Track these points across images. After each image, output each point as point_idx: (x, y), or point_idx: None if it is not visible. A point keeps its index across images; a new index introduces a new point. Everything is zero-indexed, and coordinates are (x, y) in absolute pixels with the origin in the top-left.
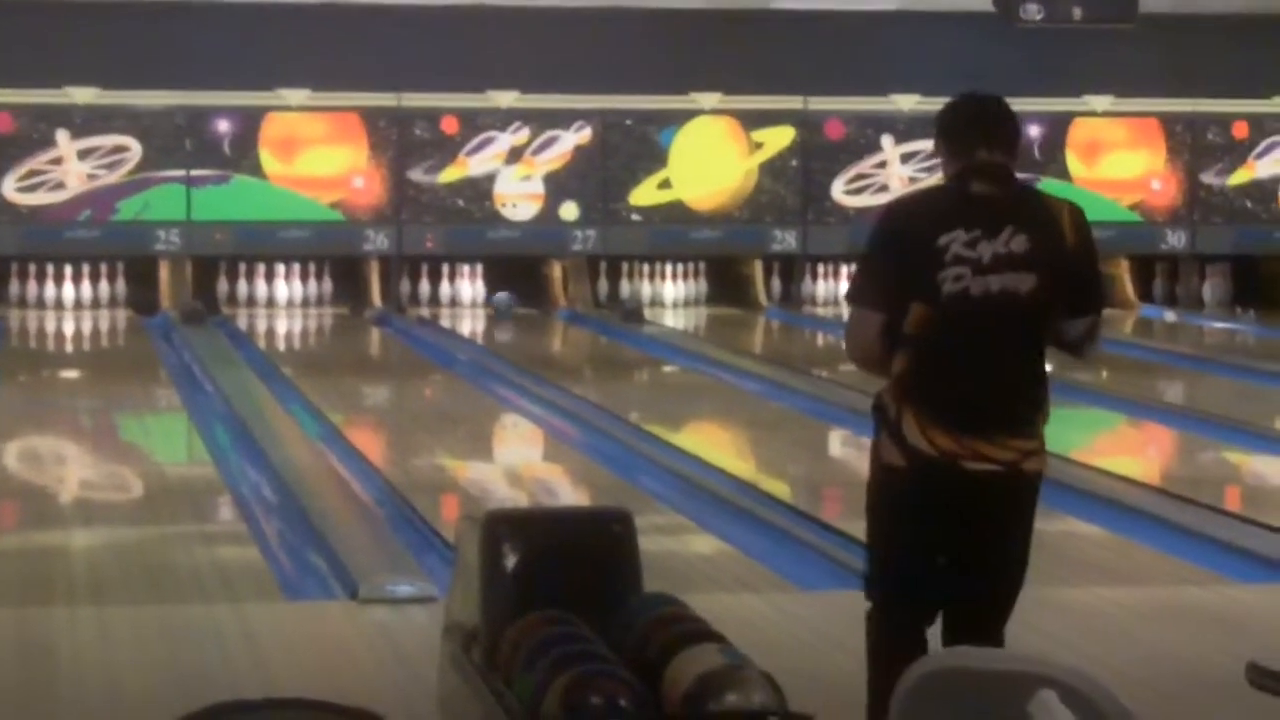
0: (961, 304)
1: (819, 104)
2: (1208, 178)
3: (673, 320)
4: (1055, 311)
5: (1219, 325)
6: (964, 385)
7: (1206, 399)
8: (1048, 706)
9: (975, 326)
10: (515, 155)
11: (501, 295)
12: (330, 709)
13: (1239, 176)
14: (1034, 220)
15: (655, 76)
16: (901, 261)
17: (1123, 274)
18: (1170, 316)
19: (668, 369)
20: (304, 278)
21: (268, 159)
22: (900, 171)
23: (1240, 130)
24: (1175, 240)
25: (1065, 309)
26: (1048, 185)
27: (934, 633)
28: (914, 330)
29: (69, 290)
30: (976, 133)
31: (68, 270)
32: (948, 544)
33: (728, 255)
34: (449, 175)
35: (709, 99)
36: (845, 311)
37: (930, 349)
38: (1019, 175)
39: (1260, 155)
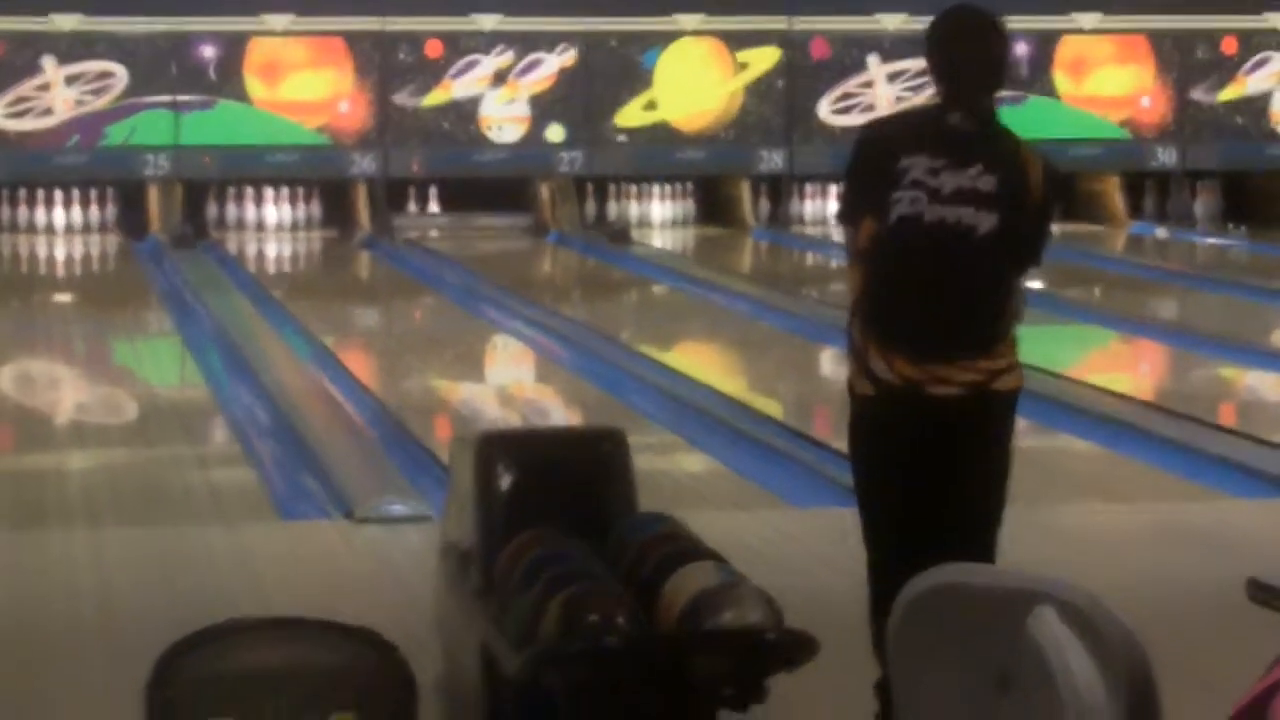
0: (912, 228)
1: (803, 24)
2: (1197, 94)
3: (660, 241)
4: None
5: (1210, 241)
6: (915, 309)
7: (1198, 315)
8: (1046, 623)
9: (925, 253)
10: (499, 78)
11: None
12: (330, 627)
13: (1229, 92)
14: (1005, 163)
15: None
16: (862, 178)
17: (1112, 191)
18: (1161, 233)
19: (656, 289)
20: (292, 201)
21: (253, 84)
22: (886, 91)
23: (1229, 46)
24: (1165, 157)
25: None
26: (1035, 103)
27: None
28: (865, 246)
29: (59, 215)
30: (961, 54)
31: (58, 195)
32: (924, 470)
33: (715, 175)
34: (433, 99)
35: (692, 20)
36: (833, 231)
37: (881, 270)
38: (1008, 93)
39: (1250, 71)
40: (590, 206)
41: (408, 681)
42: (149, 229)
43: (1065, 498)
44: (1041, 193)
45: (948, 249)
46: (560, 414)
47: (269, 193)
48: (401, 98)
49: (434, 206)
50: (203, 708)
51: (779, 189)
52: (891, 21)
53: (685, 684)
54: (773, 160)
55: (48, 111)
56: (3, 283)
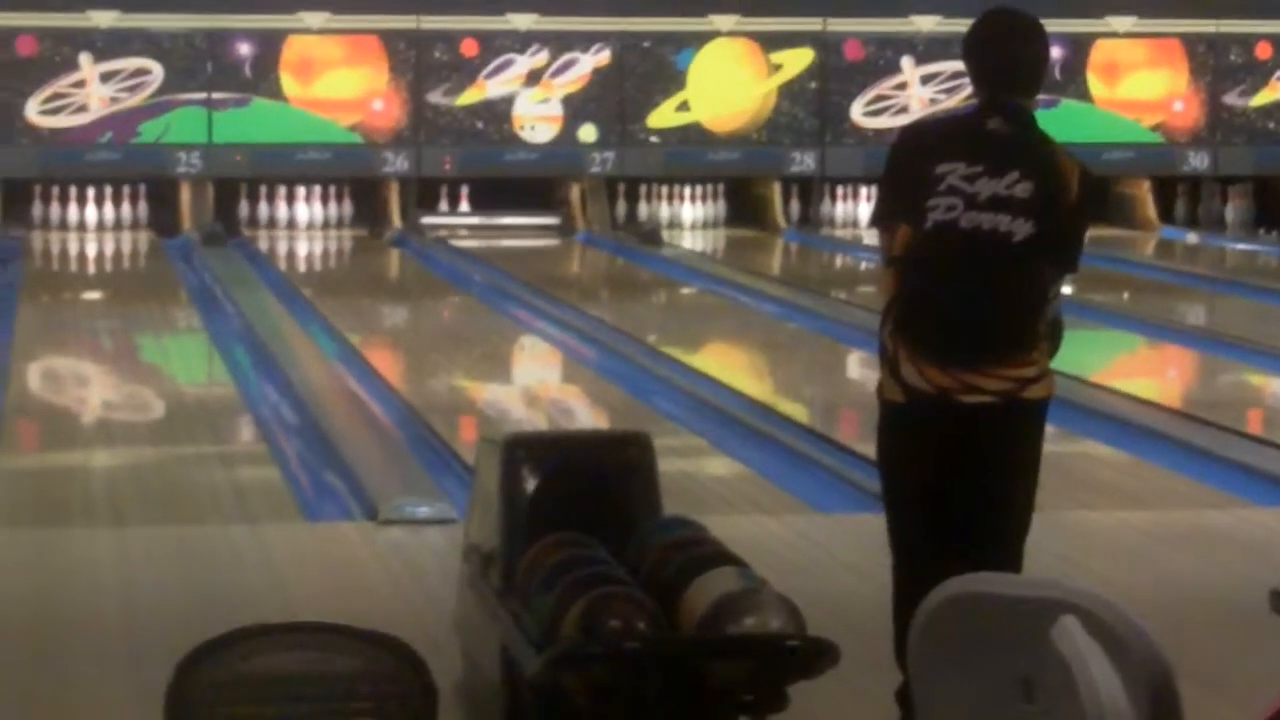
0: (948, 235)
1: (838, 25)
2: (1230, 98)
3: (690, 242)
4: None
5: (1240, 247)
6: (948, 316)
7: (1227, 320)
8: (1069, 632)
9: (959, 260)
10: (534, 78)
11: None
12: (350, 632)
13: (1261, 97)
14: (1042, 169)
15: None
16: (898, 183)
17: (1144, 195)
18: (1191, 238)
19: (685, 290)
20: (323, 200)
21: (287, 81)
22: (920, 93)
23: (1263, 50)
24: (1197, 161)
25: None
26: (1068, 107)
27: None
28: (899, 253)
29: (90, 212)
30: (1000, 58)
31: (89, 192)
32: (951, 478)
33: (746, 177)
34: (467, 98)
35: (726, 21)
36: (864, 234)
37: (914, 276)
38: (1041, 97)
39: None
40: (621, 207)
41: (428, 687)
42: (180, 226)
43: (1088, 503)
44: (1078, 199)
45: (983, 256)
46: (586, 416)
47: (300, 191)
48: (435, 96)
49: (465, 206)
50: (223, 711)
51: (810, 191)
52: (926, 23)
53: (705, 689)
54: (804, 162)
55: (82, 109)
56: (33, 279)
